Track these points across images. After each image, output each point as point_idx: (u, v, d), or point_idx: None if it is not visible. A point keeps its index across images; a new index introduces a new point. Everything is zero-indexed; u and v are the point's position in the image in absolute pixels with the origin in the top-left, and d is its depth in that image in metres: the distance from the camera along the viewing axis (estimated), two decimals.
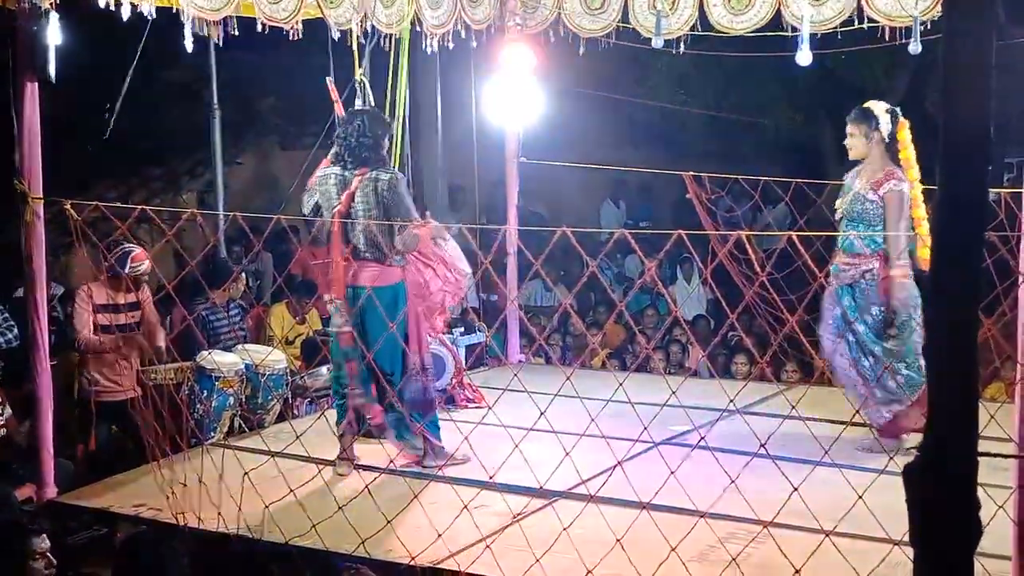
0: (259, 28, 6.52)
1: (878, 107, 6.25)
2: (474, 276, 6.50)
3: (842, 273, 6.30)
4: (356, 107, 6.82)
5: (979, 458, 2.05)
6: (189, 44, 6.14)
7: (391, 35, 7.40)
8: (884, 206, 6.10)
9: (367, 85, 7.10)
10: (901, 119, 6.25)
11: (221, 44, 6.56)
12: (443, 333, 7.04)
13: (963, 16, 1.96)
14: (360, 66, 7.13)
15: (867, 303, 6.23)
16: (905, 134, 6.24)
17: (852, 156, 6.35)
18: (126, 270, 6.72)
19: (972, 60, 1.91)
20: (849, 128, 6.31)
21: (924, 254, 6.20)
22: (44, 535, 4.78)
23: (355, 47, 7.13)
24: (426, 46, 7.88)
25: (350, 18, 7.11)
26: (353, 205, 5.90)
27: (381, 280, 5.89)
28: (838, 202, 6.41)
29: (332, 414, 6.15)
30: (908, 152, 6.26)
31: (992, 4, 1.95)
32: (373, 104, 7.04)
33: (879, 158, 6.21)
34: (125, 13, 5.78)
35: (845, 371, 6.36)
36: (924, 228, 6.30)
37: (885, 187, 6.09)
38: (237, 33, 6.40)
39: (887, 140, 6.21)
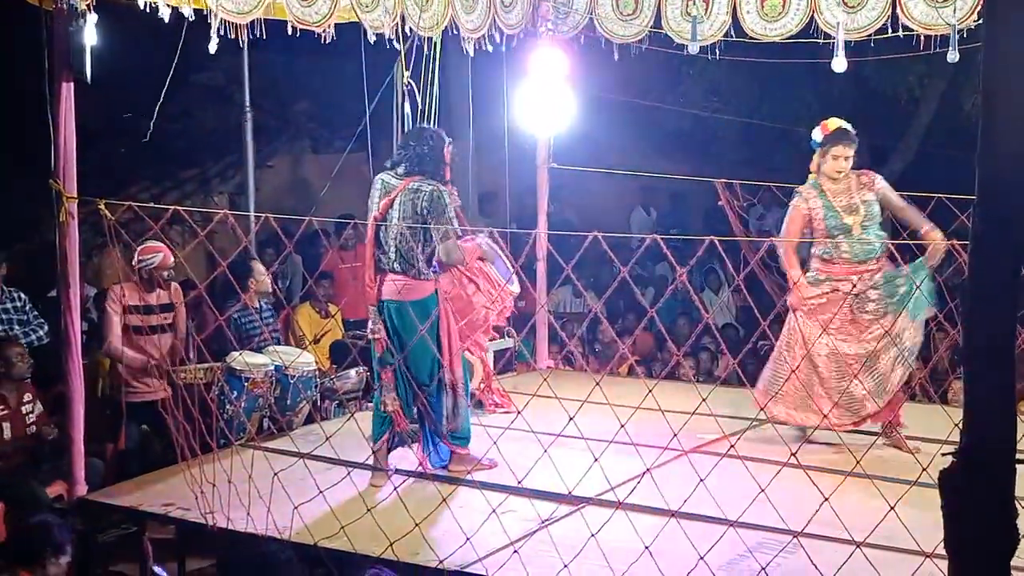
0: (290, 31, 6.51)
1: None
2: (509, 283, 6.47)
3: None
4: (406, 112, 6.87)
5: (1018, 467, 2.02)
6: (213, 46, 6.09)
7: (428, 38, 7.41)
8: None
9: (415, 88, 7.12)
10: None
11: (245, 47, 6.55)
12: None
13: (1003, 23, 1.93)
14: (407, 70, 7.15)
15: None
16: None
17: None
18: (135, 264, 6.76)
19: (1012, 66, 1.88)
20: (848, 151, 6.48)
21: None
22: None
23: (402, 52, 7.15)
24: (463, 49, 7.88)
25: (385, 22, 7.11)
26: (389, 213, 5.86)
27: (410, 294, 5.80)
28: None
29: (360, 416, 6.14)
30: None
31: None
32: (419, 106, 7.09)
33: None
34: (165, 14, 5.78)
35: None
36: None
37: None
38: (266, 36, 6.39)
39: None
